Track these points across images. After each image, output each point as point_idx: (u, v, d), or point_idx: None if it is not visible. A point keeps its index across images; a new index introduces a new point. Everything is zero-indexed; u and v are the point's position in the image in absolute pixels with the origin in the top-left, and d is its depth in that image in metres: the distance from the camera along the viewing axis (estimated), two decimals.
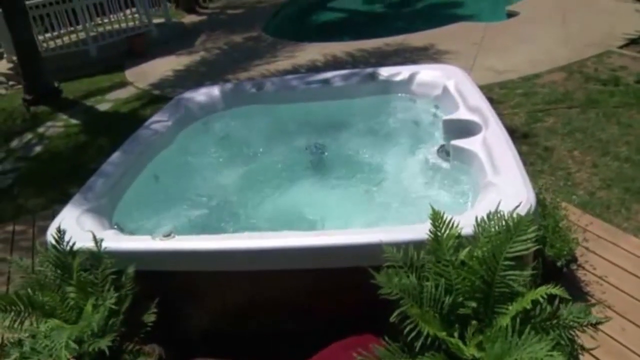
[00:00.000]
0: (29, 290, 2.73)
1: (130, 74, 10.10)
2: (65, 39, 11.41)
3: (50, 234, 2.94)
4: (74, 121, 8.35)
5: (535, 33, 8.32)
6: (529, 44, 7.91)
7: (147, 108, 8.04)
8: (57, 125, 8.27)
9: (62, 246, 2.78)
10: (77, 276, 2.65)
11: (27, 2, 9.45)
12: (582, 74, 6.62)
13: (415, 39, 9.08)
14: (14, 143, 7.91)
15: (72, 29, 11.43)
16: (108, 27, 11.64)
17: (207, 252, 3.01)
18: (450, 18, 10.25)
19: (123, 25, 11.69)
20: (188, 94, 5.37)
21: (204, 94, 5.32)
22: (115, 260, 2.81)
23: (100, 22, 11.84)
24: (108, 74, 10.24)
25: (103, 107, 8.72)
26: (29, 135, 8.09)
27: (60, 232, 2.79)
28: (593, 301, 3.35)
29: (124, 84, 9.62)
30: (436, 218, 2.55)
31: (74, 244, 2.81)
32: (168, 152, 4.63)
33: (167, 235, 3.05)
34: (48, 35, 11.34)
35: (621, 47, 7.15)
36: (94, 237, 2.84)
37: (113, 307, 2.54)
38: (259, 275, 3.05)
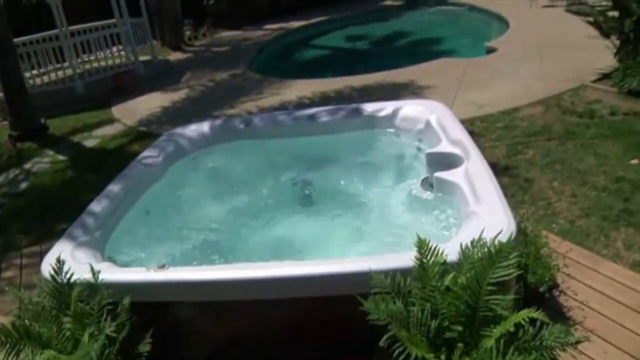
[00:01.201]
0: (26, 321, 2.78)
1: (116, 110, 10.20)
2: (52, 75, 11.55)
3: (49, 265, 3.00)
4: (60, 157, 8.41)
5: (514, 68, 8.60)
6: (508, 79, 8.17)
7: (134, 144, 8.13)
8: (44, 162, 8.31)
9: (60, 277, 2.84)
10: (74, 307, 2.70)
11: (14, 40, 9.58)
12: (559, 108, 6.85)
13: (399, 75, 9.32)
14: (0, 179, 7.93)
15: (59, 66, 11.58)
16: (95, 64, 11.80)
17: (200, 283, 3.09)
18: (432, 54, 10.56)
19: (110, 62, 11.85)
20: (178, 130, 5.49)
21: (193, 130, 5.44)
22: (110, 291, 2.87)
23: (87, 59, 11.99)
24: (95, 111, 10.33)
25: (90, 143, 8.80)
26: (15, 172, 8.12)
27: (60, 263, 2.85)
28: (575, 325, 3.44)
29: (110, 120, 9.71)
30: (422, 246, 2.66)
31: (72, 274, 2.87)
32: (158, 187, 4.72)
33: (161, 267, 3.13)
34: (35, 72, 11.46)
35: (595, 81, 7.42)
36: (92, 269, 2.90)
37: (113, 334, 2.59)
38: (251, 304, 3.12)
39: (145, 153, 4.96)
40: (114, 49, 12.22)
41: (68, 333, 2.71)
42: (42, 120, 9.48)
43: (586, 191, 5.00)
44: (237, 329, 3.28)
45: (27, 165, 8.24)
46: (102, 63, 11.76)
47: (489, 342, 2.28)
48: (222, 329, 3.27)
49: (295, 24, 15.34)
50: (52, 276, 2.88)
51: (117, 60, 12.07)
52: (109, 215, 4.05)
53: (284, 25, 15.43)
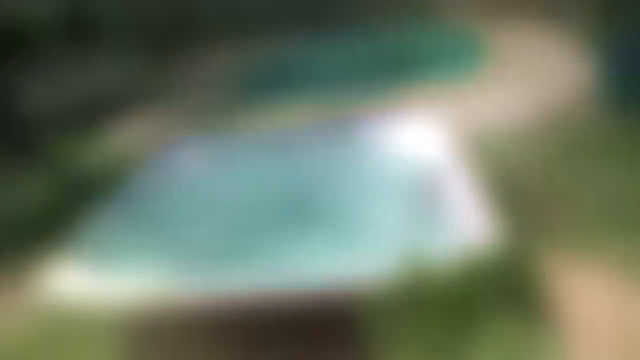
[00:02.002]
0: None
1: None
2: None
3: (37, 287, 2.99)
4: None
5: (504, 86, 8.66)
6: (497, 96, 8.23)
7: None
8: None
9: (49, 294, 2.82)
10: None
11: None
12: (551, 122, 6.90)
13: (386, 97, 9.34)
14: None
15: None
16: None
17: (193, 300, 3.07)
18: (419, 76, 10.61)
19: None
20: (164, 151, 5.53)
21: (181, 150, 5.48)
22: (99, 310, 2.85)
23: None
24: None
25: None
26: None
27: (50, 279, 2.83)
28: (568, 335, 3.43)
29: None
30: (412, 260, 2.68)
31: (61, 291, 2.85)
32: (148, 203, 4.73)
33: (153, 288, 3.11)
34: None
35: (583, 98, 7.49)
36: (80, 289, 2.89)
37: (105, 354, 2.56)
38: (242, 324, 3.10)
39: (134, 171, 4.99)
40: None
41: None
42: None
43: (580, 201, 5.01)
44: (232, 350, 3.25)
45: None
46: None
47: (482, 350, 2.27)
48: (214, 351, 3.23)
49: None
50: (40, 294, 2.86)
51: None
52: (100, 234, 4.05)
53: None
